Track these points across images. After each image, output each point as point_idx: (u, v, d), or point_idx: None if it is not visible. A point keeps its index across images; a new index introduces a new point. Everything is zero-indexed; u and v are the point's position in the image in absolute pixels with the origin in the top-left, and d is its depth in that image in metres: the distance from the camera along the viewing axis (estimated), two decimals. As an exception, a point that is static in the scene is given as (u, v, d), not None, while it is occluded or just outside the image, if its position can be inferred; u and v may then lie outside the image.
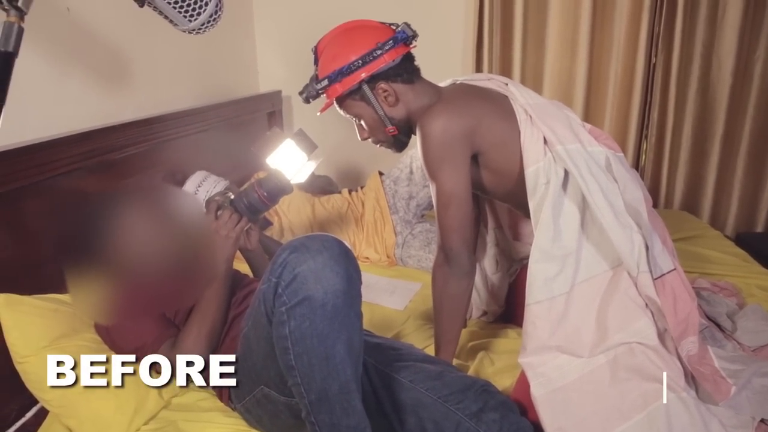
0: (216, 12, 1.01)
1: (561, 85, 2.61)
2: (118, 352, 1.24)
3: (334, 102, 1.36)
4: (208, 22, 1.01)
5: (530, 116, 1.27)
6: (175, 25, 1.00)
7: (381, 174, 2.28)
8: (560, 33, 2.54)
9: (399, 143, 1.42)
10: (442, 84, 1.42)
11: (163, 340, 1.19)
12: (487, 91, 1.35)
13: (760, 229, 2.63)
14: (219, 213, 1.26)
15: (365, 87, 1.31)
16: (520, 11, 2.51)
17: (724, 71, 2.46)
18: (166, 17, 0.99)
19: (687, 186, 2.66)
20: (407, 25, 1.32)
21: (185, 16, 0.98)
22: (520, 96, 1.30)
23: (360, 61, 1.28)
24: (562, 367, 1.15)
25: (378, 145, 1.44)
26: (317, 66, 1.34)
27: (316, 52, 1.35)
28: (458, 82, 1.42)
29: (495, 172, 1.32)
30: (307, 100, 1.36)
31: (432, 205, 2.21)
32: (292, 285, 0.90)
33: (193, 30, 1.01)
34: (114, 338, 1.24)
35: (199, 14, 0.98)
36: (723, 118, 2.51)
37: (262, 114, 2.76)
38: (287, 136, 2.04)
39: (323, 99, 1.37)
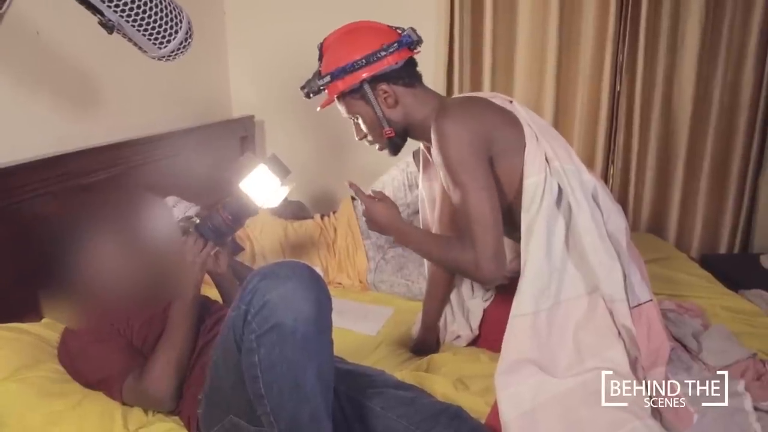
0: (186, 39, 1.02)
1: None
2: (83, 382, 1.21)
3: (335, 99, 1.38)
4: (178, 49, 1.01)
5: (534, 132, 1.29)
6: (145, 52, 1.00)
7: (353, 199, 2.29)
8: (528, 63, 2.60)
9: (394, 146, 1.44)
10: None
11: (129, 370, 1.16)
12: (493, 102, 1.36)
13: (723, 250, 2.70)
14: (183, 239, 1.25)
15: (366, 86, 1.33)
16: (489, 45, 2.57)
17: (685, 97, 2.54)
18: (135, 44, 0.99)
19: (653, 209, 2.72)
20: (413, 30, 1.35)
21: (155, 44, 0.98)
22: (524, 113, 1.33)
23: (363, 61, 1.30)
24: (535, 387, 1.15)
25: (376, 147, 1.45)
26: (321, 62, 1.37)
27: (321, 48, 1.37)
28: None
29: (499, 182, 1.31)
30: (308, 95, 1.38)
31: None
32: (261, 312, 0.90)
33: (163, 57, 1.01)
34: (78, 368, 1.21)
35: (168, 42, 0.99)
36: (685, 143, 2.59)
37: (235, 139, 2.75)
38: (260, 161, 2.03)
39: (322, 97, 1.39)
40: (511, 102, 1.37)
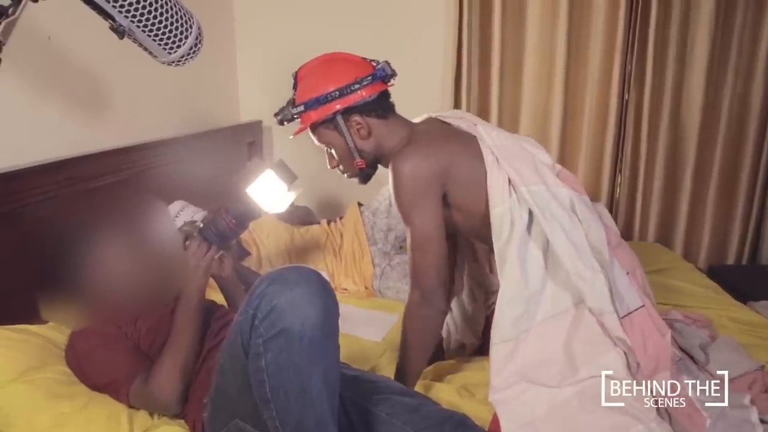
0: (196, 45, 1.02)
1: (537, 122, 2.66)
2: (89, 385, 1.21)
3: (308, 128, 1.38)
4: (188, 54, 1.02)
5: (496, 157, 1.29)
6: (155, 57, 1.01)
7: (360, 205, 2.29)
8: (536, 71, 2.60)
9: (364, 176, 1.45)
10: (416, 119, 1.44)
11: (136, 374, 1.17)
12: (457, 130, 1.37)
13: (731, 261, 2.67)
14: (187, 243, 1.25)
15: (339, 118, 1.34)
16: (497, 49, 2.57)
17: (694, 105, 2.53)
18: (145, 49, 1.00)
19: (660, 218, 2.70)
20: (387, 63, 1.36)
21: (165, 49, 0.99)
22: (487, 137, 1.33)
23: (337, 93, 1.31)
24: (529, 402, 1.16)
25: (344, 175, 1.46)
26: (295, 91, 1.37)
27: (296, 77, 1.38)
28: (432, 116, 1.44)
29: (463, 211, 1.34)
30: (281, 123, 1.39)
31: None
32: (269, 317, 0.90)
33: (173, 62, 1.02)
34: (85, 371, 1.22)
35: (179, 47, 1.00)
36: (693, 152, 2.57)
37: (243, 144, 2.76)
38: (267, 167, 2.04)
39: (297, 123, 1.39)
40: (475, 125, 1.37)
